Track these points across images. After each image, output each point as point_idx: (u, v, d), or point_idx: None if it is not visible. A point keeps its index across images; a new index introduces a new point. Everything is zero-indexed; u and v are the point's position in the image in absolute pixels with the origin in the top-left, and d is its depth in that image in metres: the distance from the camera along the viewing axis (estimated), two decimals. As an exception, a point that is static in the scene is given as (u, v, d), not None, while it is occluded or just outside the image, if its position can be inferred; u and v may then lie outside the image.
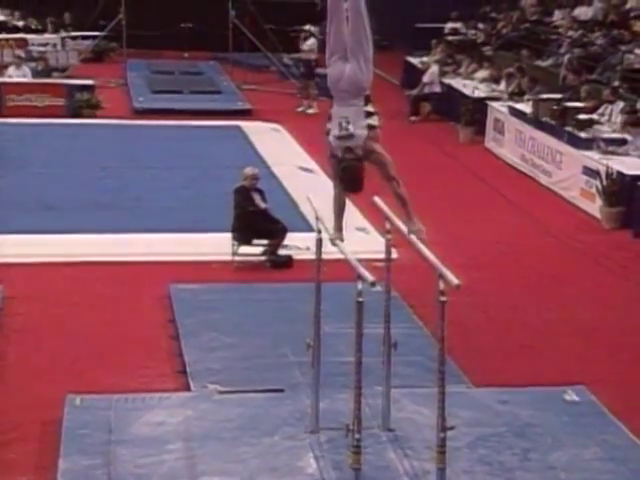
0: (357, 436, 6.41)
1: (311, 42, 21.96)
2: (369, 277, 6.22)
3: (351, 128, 6.54)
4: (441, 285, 6.25)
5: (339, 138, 6.59)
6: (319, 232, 7.46)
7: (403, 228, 7.09)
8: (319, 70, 21.86)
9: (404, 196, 6.68)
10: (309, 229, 12.54)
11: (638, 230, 13.07)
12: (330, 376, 7.92)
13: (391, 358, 7.56)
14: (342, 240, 7.08)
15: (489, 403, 8.07)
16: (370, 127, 6.60)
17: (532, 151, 16.50)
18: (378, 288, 6.65)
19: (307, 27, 22.97)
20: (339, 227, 7.08)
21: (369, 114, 6.62)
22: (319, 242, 7.47)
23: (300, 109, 21.45)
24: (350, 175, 6.63)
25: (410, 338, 9.09)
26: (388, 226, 7.55)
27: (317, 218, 7.51)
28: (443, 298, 6.21)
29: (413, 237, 6.82)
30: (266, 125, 19.59)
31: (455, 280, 6.12)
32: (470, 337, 9.66)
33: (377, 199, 7.74)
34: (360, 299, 6.43)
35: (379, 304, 7.46)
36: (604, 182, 13.64)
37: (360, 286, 6.40)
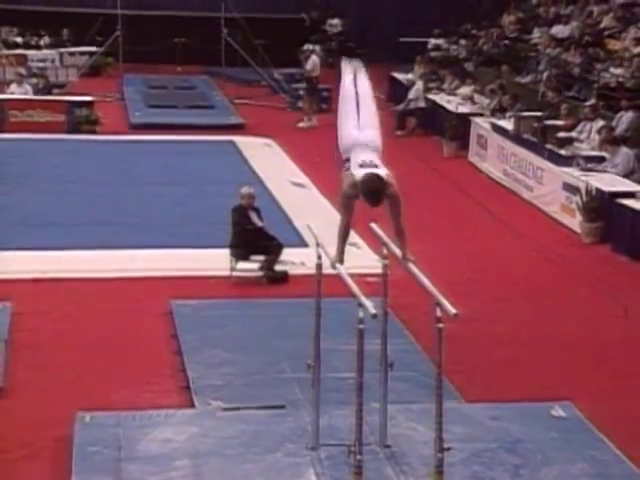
0: (359, 457, 6.46)
1: (312, 60, 21.99)
2: (371, 309, 6.27)
3: (376, 162, 6.85)
4: (438, 312, 6.32)
5: (362, 166, 6.79)
6: (319, 257, 7.48)
7: (398, 252, 7.17)
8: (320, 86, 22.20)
9: (405, 234, 6.94)
10: (303, 244, 12.66)
11: (616, 245, 13.17)
12: (328, 392, 7.91)
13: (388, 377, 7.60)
14: (342, 263, 7.10)
15: (480, 419, 8.11)
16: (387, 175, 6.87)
17: (514, 166, 16.59)
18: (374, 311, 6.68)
19: (309, 47, 23.06)
20: (341, 251, 7.10)
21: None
22: (319, 267, 7.49)
23: (303, 124, 21.44)
24: (372, 185, 6.73)
25: (403, 354, 9.09)
26: (385, 251, 7.60)
27: (317, 244, 7.52)
28: (440, 325, 6.27)
29: (409, 264, 6.93)
30: (259, 140, 19.59)
31: (453, 310, 6.18)
32: (458, 351, 9.65)
33: (374, 225, 7.80)
34: (361, 326, 6.47)
35: (374, 322, 7.45)
36: (584, 198, 13.73)
37: (362, 314, 6.44)
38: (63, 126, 19.59)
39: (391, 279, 8.35)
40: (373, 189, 6.69)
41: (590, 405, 8.39)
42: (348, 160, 6.96)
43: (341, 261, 7.09)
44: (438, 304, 6.29)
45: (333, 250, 7.23)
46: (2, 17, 27.01)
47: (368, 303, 6.38)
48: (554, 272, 12.48)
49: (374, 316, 6.29)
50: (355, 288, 6.60)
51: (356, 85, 7.33)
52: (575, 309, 11.14)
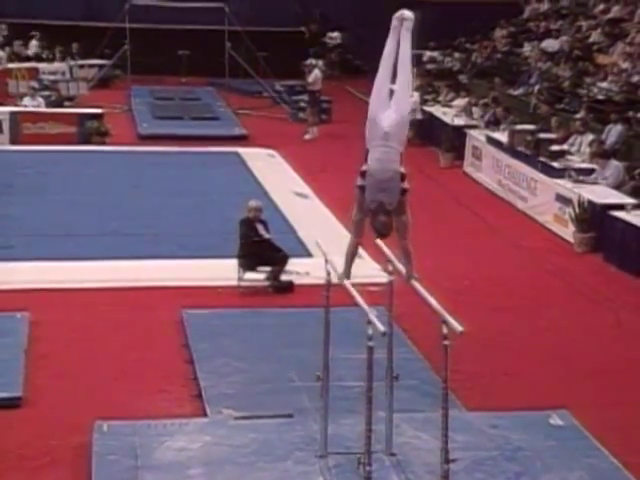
0: (368, 468, 6.49)
1: (315, 74, 22.05)
2: (381, 327, 6.30)
3: (390, 183, 6.49)
4: (445, 330, 6.36)
5: (380, 189, 6.53)
6: (328, 274, 7.50)
7: (402, 269, 7.20)
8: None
9: (410, 253, 6.82)
10: (307, 254, 12.71)
11: (607, 255, 13.21)
12: (334, 400, 7.89)
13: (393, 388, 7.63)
14: (349, 278, 7.08)
15: (481, 427, 8.13)
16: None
17: (508, 177, 16.62)
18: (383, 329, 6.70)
19: (312, 61, 23.10)
20: (348, 270, 7.03)
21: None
22: (328, 284, 7.51)
23: (309, 136, 21.45)
24: (379, 226, 6.65)
25: (405, 362, 9.10)
26: (390, 268, 7.63)
27: (326, 261, 7.54)
28: (447, 342, 6.31)
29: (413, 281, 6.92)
30: (262, 151, 19.57)
31: (459, 327, 6.21)
32: (457, 360, 9.61)
33: (379, 241, 7.82)
34: (371, 343, 6.49)
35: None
36: (576, 210, 13.78)
37: (370, 331, 6.47)
38: (74, 138, 19.61)
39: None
40: (380, 230, 6.63)
41: (586, 413, 8.42)
42: (366, 158, 6.52)
43: (348, 277, 7.06)
44: (444, 322, 6.32)
45: (337, 259, 7.26)
46: (14, 31, 27.05)
47: (377, 321, 6.40)
48: (549, 281, 12.50)
49: (384, 334, 6.32)
50: (364, 305, 6.62)
51: (398, 43, 6.54)
52: (570, 318, 11.17)
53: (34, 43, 26.47)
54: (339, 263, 7.22)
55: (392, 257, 7.58)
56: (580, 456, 7.65)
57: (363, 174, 6.61)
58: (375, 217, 6.59)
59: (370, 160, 6.55)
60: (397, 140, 6.55)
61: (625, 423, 8.47)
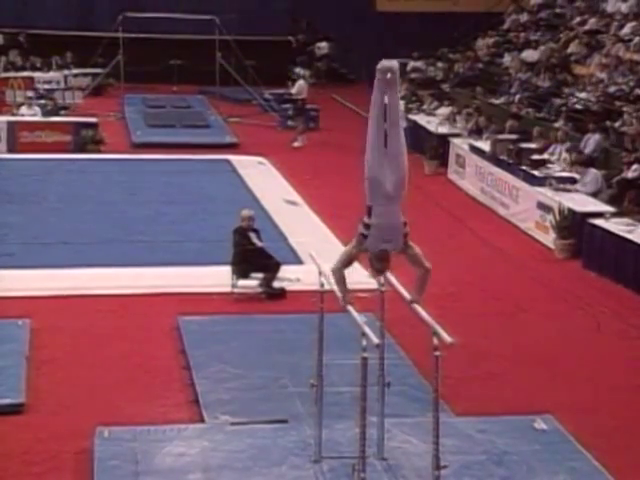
0: (362, 475, 6.55)
1: (299, 84, 22.11)
2: (374, 339, 6.34)
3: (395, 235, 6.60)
4: (435, 341, 6.41)
5: (383, 241, 6.53)
6: (322, 285, 7.54)
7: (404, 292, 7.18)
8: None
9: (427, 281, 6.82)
10: (298, 261, 12.76)
11: (587, 261, 13.29)
12: (326, 406, 7.91)
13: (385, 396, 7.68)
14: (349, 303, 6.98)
15: (469, 432, 8.17)
16: None
17: (491, 185, 16.70)
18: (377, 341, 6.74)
19: (300, 71, 23.14)
20: (345, 294, 6.93)
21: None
22: (321, 296, 7.55)
23: (297, 144, 21.46)
24: (380, 266, 6.66)
25: (395, 368, 9.12)
26: (382, 279, 7.68)
27: (320, 273, 7.58)
28: (437, 353, 6.37)
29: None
30: (252, 159, 19.58)
31: (449, 339, 6.26)
32: (444, 365, 9.73)
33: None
34: (365, 354, 6.54)
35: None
36: (557, 217, 13.86)
37: (365, 342, 6.52)
38: (70, 146, 19.62)
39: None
40: (380, 269, 6.65)
41: (569, 417, 8.48)
42: (369, 213, 6.43)
43: (346, 300, 6.96)
44: (435, 333, 6.37)
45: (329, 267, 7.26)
46: (9, 40, 26.99)
47: (371, 333, 6.45)
48: (532, 287, 12.57)
49: (378, 346, 6.37)
50: (359, 319, 6.67)
51: (384, 100, 6.26)
52: (552, 323, 11.24)
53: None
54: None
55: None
56: (564, 460, 7.71)
57: (367, 226, 6.51)
58: (376, 259, 6.58)
59: (374, 216, 6.47)
60: (401, 196, 6.54)
61: (607, 426, 8.54)
